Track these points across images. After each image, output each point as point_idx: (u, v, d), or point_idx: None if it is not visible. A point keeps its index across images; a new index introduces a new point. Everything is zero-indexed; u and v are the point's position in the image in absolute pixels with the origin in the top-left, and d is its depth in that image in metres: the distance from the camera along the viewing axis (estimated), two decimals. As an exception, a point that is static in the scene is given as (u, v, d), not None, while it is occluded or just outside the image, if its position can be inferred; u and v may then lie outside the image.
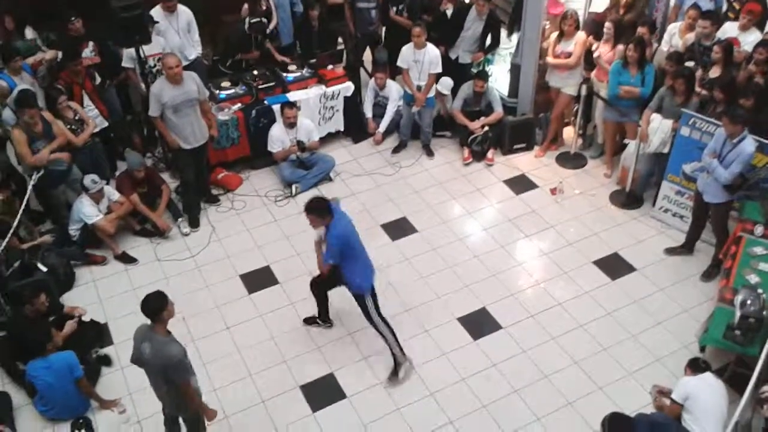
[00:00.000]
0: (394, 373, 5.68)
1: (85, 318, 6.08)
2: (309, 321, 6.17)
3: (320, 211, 5.19)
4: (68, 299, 6.38)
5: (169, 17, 7.69)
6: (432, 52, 7.74)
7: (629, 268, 6.64)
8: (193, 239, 7.14)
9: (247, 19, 8.04)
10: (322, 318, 6.12)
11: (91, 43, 7.55)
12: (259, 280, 6.66)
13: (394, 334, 5.60)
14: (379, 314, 5.54)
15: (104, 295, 6.54)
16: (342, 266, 5.36)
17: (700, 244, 6.71)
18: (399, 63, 7.90)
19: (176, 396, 4.55)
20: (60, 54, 7.43)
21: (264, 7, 8.21)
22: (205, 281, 6.65)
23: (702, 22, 6.90)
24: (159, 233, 7.08)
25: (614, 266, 6.67)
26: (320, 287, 5.90)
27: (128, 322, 6.16)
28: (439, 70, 7.83)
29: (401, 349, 5.66)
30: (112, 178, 7.40)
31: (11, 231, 6.03)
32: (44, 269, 6.30)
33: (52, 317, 5.80)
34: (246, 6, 8.27)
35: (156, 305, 4.34)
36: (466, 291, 6.44)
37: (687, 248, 6.73)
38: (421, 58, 7.72)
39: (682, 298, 6.30)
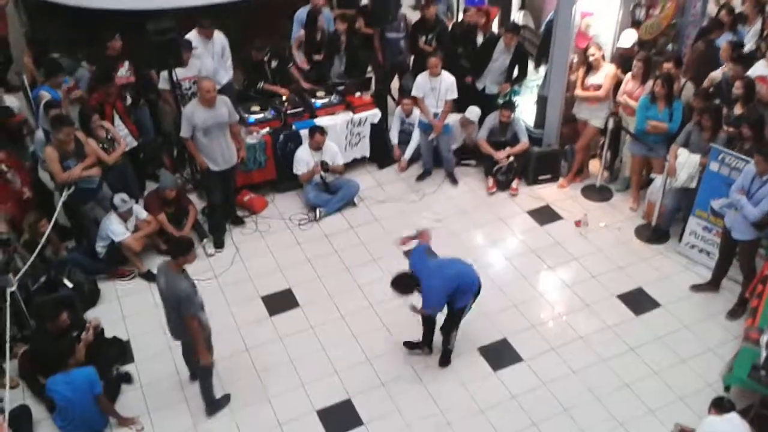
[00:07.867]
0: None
1: (108, 335, 6.15)
2: (410, 346, 6.12)
3: (402, 288, 5.40)
4: (92, 315, 6.41)
5: (205, 42, 7.88)
6: (447, 79, 7.78)
7: (654, 304, 6.56)
8: (217, 260, 7.20)
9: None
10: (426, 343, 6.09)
11: (127, 63, 7.73)
12: (280, 302, 6.68)
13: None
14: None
15: (127, 312, 6.60)
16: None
17: (727, 282, 6.61)
18: (414, 92, 7.94)
19: (182, 327, 5.16)
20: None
21: (318, 38, 8.49)
22: (227, 302, 6.69)
23: (734, 66, 6.88)
24: (184, 253, 7.14)
25: (638, 301, 6.59)
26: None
27: (150, 340, 6.26)
28: (455, 96, 7.87)
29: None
30: (141, 197, 7.51)
31: (39, 247, 6.12)
32: (70, 285, 6.40)
33: (75, 333, 5.87)
34: (302, 32, 8.54)
35: (177, 249, 5.09)
36: (487, 321, 6.39)
37: (713, 285, 6.63)
38: (438, 86, 7.77)
39: (707, 336, 6.20)
